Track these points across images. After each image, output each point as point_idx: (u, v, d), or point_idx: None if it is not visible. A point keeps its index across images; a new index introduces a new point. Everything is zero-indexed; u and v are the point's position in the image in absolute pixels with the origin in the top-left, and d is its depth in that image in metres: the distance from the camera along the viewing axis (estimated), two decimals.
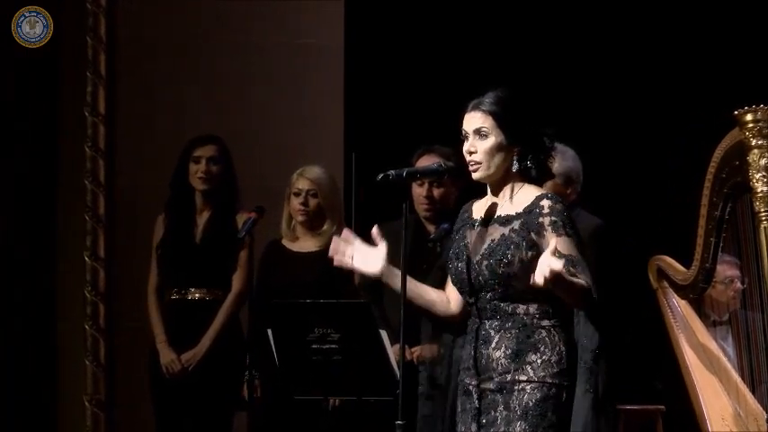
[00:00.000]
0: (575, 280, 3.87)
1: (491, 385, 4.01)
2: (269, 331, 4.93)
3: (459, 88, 4.51)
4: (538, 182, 4.10)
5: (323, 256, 5.81)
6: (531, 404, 3.95)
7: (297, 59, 7.07)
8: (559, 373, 3.97)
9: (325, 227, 5.91)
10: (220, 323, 5.96)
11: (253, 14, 7.10)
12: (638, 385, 6.20)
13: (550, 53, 7.28)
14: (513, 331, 4.01)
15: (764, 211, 4.54)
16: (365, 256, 4.17)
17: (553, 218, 3.99)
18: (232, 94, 7.02)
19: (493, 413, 4.00)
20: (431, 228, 5.51)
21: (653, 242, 5.67)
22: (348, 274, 5.76)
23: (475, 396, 4.04)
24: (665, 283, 5.21)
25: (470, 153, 4.06)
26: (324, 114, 7.03)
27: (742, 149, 4.62)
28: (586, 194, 5.51)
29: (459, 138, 4.10)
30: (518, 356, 3.99)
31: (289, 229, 5.96)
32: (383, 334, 4.61)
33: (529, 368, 3.98)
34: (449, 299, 4.22)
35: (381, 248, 4.15)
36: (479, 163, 4.05)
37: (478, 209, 4.17)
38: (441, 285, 4.27)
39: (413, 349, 5.34)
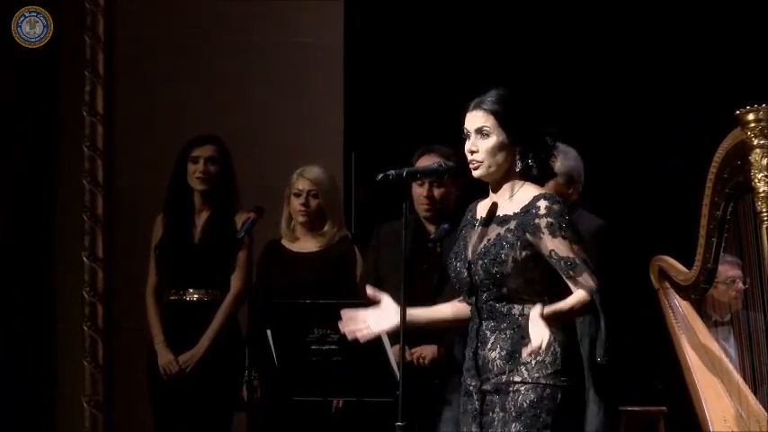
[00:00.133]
0: (566, 304, 3.88)
1: (488, 386, 4.01)
2: (268, 332, 4.93)
3: (460, 88, 4.51)
4: (539, 181, 4.09)
5: (323, 256, 5.87)
6: (525, 405, 3.94)
7: (296, 59, 7.06)
8: (554, 373, 3.96)
9: (326, 227, 5.89)
10: (219, 324, 5.94)
11: (253, 14, 7.09)
12: (640, 386, 6.19)
13: (550, 53, 7.28)
14: (507, 332, 4.00)
15: (766, 211, 4.54)
16: (378, 318, 4.16)
17: (549, 219, 3.97)
18: (232, 94, 7.01)
19: (491, 414, 4.00)
20: (431, 228, 5.49)
21: (653, 242, 5.66)
22: (347, 274, 5.82)
23: (475, 397, 4.04)
24: (667, 284, 5.19)
25: (472, 152, 4.05)
26: (323, 114, 7.02)
27: (744, 149, 4.61)
28: (586, 195, 5.50)
29: (461, 136, 4.08)
30: (512, 357, 3.98)
31: (288, 230, 5.94)
32: (383, 335, 4.59)
33: (523, 369, 3.97)
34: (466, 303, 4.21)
35: (387, 301, 4.15)
36: (480, 162, 4.03)
37: (481, 209, 4.16)
38: (440, 286, 4.25)
39: (413, 350, 5.33)
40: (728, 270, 5.78)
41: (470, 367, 4.05)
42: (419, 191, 5.51)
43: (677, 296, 5.18)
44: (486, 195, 4.14)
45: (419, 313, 4.19)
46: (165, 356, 5.94)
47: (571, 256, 3.94)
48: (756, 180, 4.55)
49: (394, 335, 4.37)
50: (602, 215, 5.39)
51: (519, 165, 4.04)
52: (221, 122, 6.67)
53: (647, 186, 7.25)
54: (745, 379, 5.01)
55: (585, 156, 5.47)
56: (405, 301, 4.05)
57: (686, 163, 6.65)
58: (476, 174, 4.06)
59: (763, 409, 4.90)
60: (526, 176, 4.07)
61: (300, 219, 5.89)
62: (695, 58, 7.25)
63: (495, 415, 3.98)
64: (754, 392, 4.97)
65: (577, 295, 3.92)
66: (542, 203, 3.99)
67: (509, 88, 4.07)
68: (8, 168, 6.90)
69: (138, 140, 6.99)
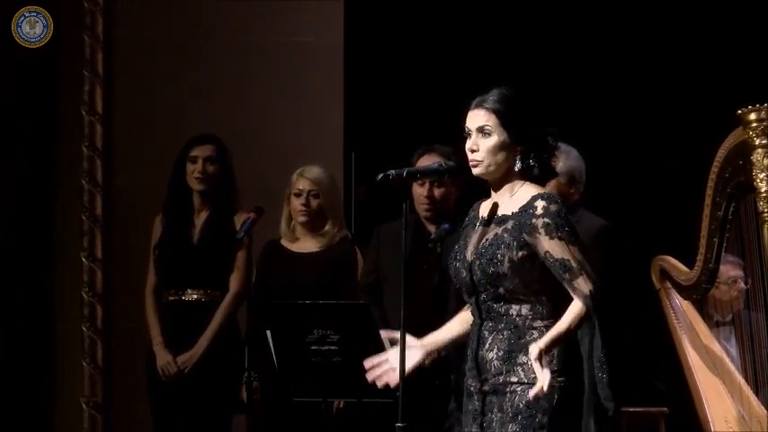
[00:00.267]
0: (562, 326, 3.86)
1: (487, 387, 4.00)
2: (268, 332, 4.91)
3: (460, 88, 4.50)
4: (541, 181, 4.07)
5: (323, 256, 5.86)
6: (521, 406, 3.93)
7: (296, 59, 7.05)
8: (551, 374, 3.92)
9: (326, 227, 5.88)
10: (218, 324, 5.93)
11: (253, 14, 7.08)
12: (641, 387, 6.17)
13: (551, 53, 7.27)
14: (505, 333, 3.99)
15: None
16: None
17: (546, 220, 3.95)
18: (232, 94, 7.00)
19: (490, 415, 3.99)
20: (431, 228, 5.48)
21: (654, 242, 5.65)
22: (348, 274, 5.80)
23: (476, 397, 4.03)
24: (668, 284, 5.18)
25: (472, 151, 4.03)
26: (323, 114, 7.02)
27: (745, 149, 4.61)
28: (587, 195, 5.49)
29: (461, 135, 4.07)
30: (509, 358, 3.96)
31: (288, 230, 5.93)
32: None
33: (520, 370, 3.95)
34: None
35: (410, 340, 4.12)
36: (480, 161, 4.02)
37: (484, 209, 4.15)
38: (440, 286, 4.24)
39: None
40: (730, 270, 5.77)
41: (471, 368, 4.04)
42: (419, 191, 5.50)
43: (678, 296, 5.17)
44: (489, 195, 4.13)
45: (436, 341, 4.19)
46: (163, 357, 5.93)
47: (566, 257, 3.91)
48: (758, 180, 4.55)
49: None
50: (603, 215, 5.38)
51: (519, 165, 4.03)
52: (221, 122, 6.66)
53: (648, 186, 7.25)
54: (746, 379, 5.00)
55: (584, 156, 5.47)
56: (405, 302, 4.03)
57: (686, 163, 6.65)
58: (475, 172, 4.05)
59: (764, 410, 4.90)
60: (527, 176, 4.06)
61: (301, 219, 5.88)
62: (695, 58, 7.24)
63: (493, 415, 3.98)
64: (756, 393, 4.97)
65: (573, 310, 3.89)
66: (540, 203, 3.97)
67: (511, 87, 4.06)
68: (8, 168, 6.89)
69: (138, 140, 6.98)
